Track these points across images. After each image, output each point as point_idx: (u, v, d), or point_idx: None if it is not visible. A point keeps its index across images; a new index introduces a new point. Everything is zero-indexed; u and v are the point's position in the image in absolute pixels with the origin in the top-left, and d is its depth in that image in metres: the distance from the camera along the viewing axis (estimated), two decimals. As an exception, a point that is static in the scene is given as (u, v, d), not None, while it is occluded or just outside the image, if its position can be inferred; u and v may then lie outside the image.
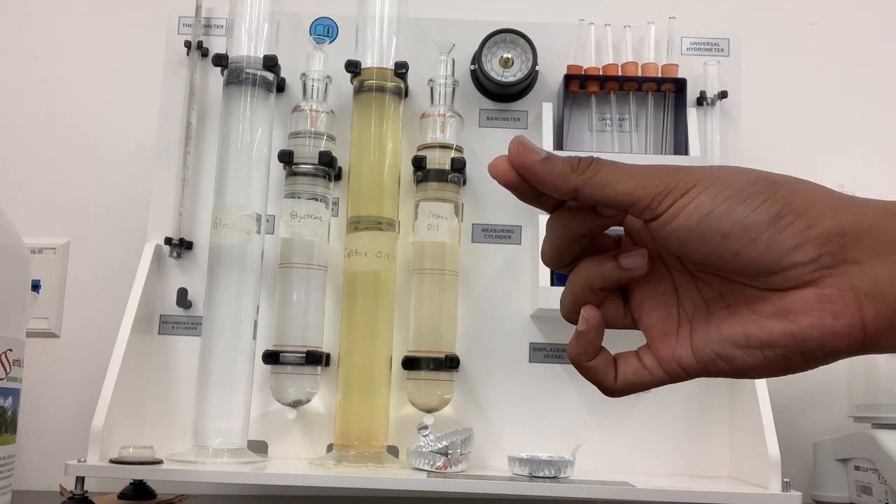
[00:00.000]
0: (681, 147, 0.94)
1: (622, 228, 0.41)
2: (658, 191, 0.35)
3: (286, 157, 0.92)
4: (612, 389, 0.39)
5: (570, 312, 0.40)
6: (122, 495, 0.89)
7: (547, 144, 0.92)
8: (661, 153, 0.96)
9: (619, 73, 0.95)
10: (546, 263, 0.41)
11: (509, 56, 0.95)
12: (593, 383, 0.40)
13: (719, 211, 0.34)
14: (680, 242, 0.35)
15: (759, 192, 0.34)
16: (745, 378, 0.37)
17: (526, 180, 0.37)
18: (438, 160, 0.92)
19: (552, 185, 0.37)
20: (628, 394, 0.39)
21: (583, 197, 0.36)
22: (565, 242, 0.39)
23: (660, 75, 0.96)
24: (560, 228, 0.39)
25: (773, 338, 0.35)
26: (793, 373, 0.36)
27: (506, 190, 1.04)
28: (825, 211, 0.34)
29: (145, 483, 0.90)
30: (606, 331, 0.40)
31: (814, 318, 0.34)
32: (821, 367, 0.36)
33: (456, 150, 0.93)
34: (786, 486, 0.80)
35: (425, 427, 0.86)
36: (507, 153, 0.37)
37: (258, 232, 0.89)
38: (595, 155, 0.37)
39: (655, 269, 0.39)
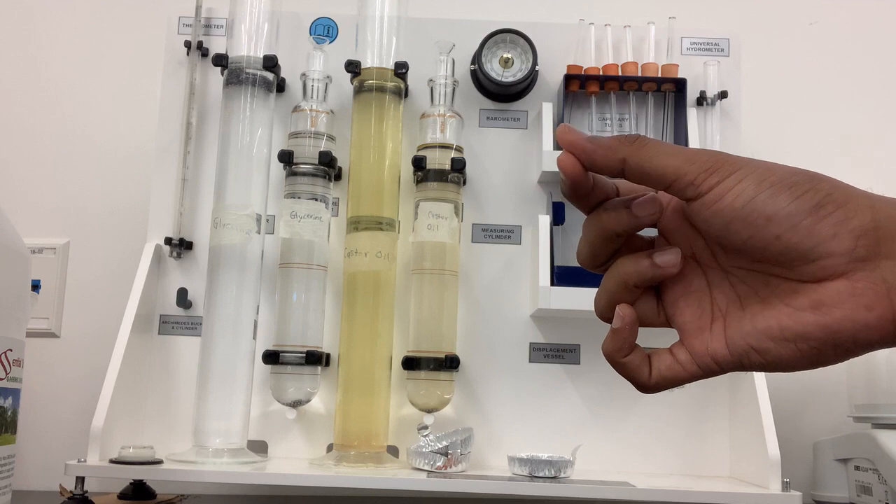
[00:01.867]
0: (681, 147, 0.94)
1: (656, 230, 0.42)
2: (704, 168, 0.36)
3: (286, 157, 0.92)
4: (647, 385, 0.40)
5: (605, 311, 0.41)
6: (122, 495, 0.89)
7: (547, 144, 0.92)
8: (661, 153, 0.96)
9: (619, 73, 0.95)
10: (581, 263, 0.42)
11: (509, 56, 0.95)
12: (628, 379, 0.41)
13: (764, 195, 0.35)
14: (723, 224, 0.36)
15: (802, 182, 0.35)
16: (778, 371, 0.38)
17: (577, 158, 0.39)
18: (438, 160, 0.92)
19: (602, 157, 0.38)
20: (662, 389, 0.40)
21: (630, 169, 0.37)
22: (600, 242, 0.40)
23: (660, 75, 0.96)
24: (595, 228, 0.40)
25: (808, 330, 0.36)
26: (824, 365, 0.36)
27: (506, 190, 1.04)
28: (863, 206, 0.35)
29: (145, 483, 0.90)
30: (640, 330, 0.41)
31: (846, 311, 0.35)
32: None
33: (456, 150, 0.93)
34: (786, 486, 0.80)
35: (425, 427, 0.86)
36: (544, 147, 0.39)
37: (258, 232, 0.89)
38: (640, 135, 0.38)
39: (689, 267, 0.40)
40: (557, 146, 1.02)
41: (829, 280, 0.35)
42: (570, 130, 0.39)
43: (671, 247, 0.40)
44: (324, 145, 0.93)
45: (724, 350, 0.38)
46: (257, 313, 0.89)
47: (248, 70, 0.90)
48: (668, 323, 0.41)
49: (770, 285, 0.37)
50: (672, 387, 0.40)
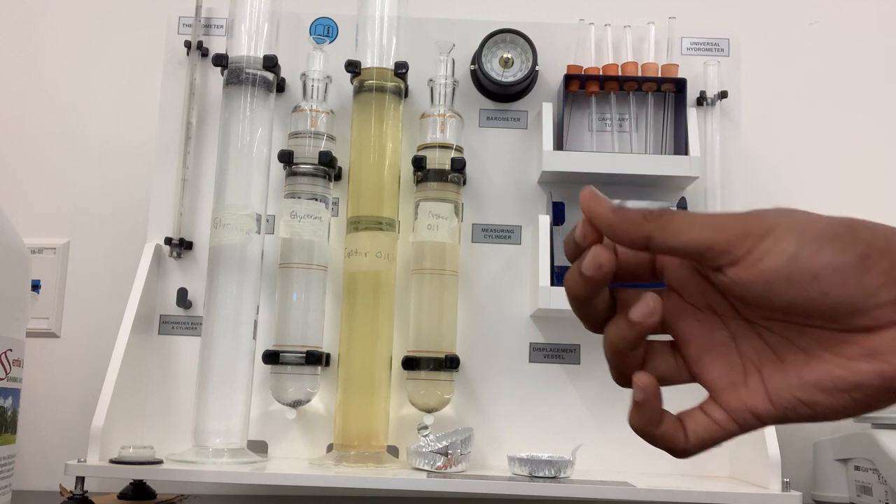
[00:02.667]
0: (681, 147, 0.94)
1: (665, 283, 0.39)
2: (736, 234, 0.34)
3: (286, 157, 0.92)
4: (685, 451, 0.38)
5: (620, 380, 0.39)
6: (122, 495, 0.89)
7: (547, 144, 0.92)
8: (661, 153, 0.96)
9: (619, 73, 0.95)
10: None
11: (509, 56, 0.95)
12: (663, 449, 0.38)
13: (807, 252, 0.34)
14: (764, 286, 0.34)
15: (842, 234, 0.34)
16: (825, 421, 0.36)
17: (597, 229, 0.36)
18: (438, 160, 0.92)
19: (625, 232, 0.36)
20: (701, 451, 0.38)
21: (655, 245, 0.36)
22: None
23: (660, 75, 0.96)
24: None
25: (864, 379, 0.34)
26: (871, 412, 0.36)
27: (506, 190, 1.03)
28: None
29: (145, 483, 0.90)
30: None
31: None
32: None
33: (456, 150, 0.93)
34: (786, 486, 0.80)
35: (425, 427, 0.86)
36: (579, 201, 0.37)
37: (258, 232, 0.89)
38: (663, 205, 0.36)
39: (707, 320, 0.38)
40: (558, 146, 1.02)
41: (881, 329, 0.34)
42: (595, 197, 0.36)
43: (644, 294, 0.37)
44: (324, 145, 0.93)
45: (768, 405, 0.36)
46: (257, 313, 0.89)
47: (248, 70, 0.90)
48: (692, 379, 0.39)
49: (806, 335, 0.36)
50: (711, 447, 0.38)
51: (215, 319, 0.86)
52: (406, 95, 0.96)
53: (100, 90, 1.18)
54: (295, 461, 0.90)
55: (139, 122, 1.13)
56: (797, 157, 1.17)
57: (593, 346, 0.95)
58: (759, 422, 0.37)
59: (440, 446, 0.84)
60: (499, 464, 0.91)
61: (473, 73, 0.98)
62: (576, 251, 0.37)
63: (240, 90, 0.90)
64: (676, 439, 0.38)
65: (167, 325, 0.95)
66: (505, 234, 0.97)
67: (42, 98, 1.18)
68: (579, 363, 0.94)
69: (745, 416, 0.37)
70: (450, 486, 0.80)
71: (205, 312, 0.87)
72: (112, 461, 0.81)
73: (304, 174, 0.92)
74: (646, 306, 0.36)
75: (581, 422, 0.93)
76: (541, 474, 0.82)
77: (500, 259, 0.96)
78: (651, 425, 0.37)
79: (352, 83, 0.94)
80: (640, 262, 0.39)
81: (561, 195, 0.95)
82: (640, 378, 0.37)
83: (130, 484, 0.89)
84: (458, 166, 0.91)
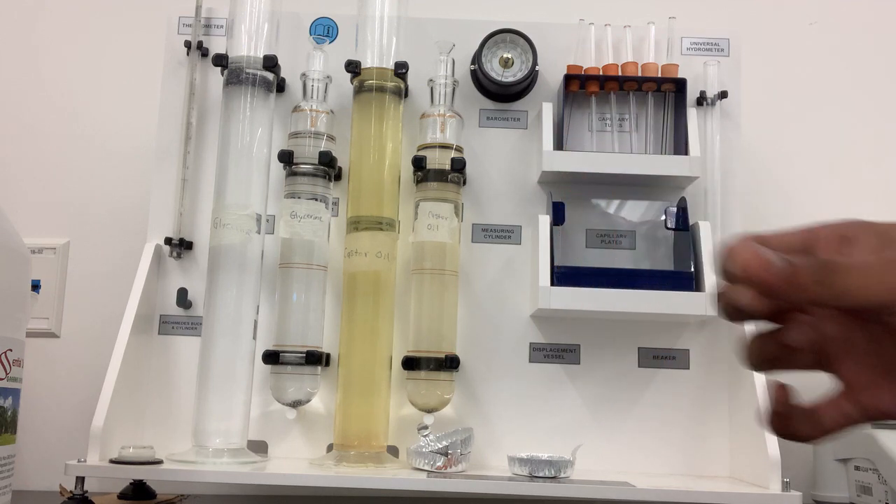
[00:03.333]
0: (681, 147, 0.94)
1: None
2: None
3: (286, 157, 0.92)
4: (812, 440, 0.40)
5: (751, 365, 0.40)
6: (122, 495, 0.89)
7: (547, 144, 0.92)
8: (661, 153, 0.96)
9: (619, 73, 0.95)
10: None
11: (509, 56, 0.95)
12: (791, 440, 0.40)
13: None
14: None
15: None
16: None
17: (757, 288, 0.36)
18: (438, 160, 0.92)
19: (793, 299, 0.35)
20: (827, 437, 0.40)
21: (819, 304, 0.36)
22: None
23: (660, 75, 0.96)
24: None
25: None
26: None
27: (506, 190, 1.03)
28: None
29: (145, 483, 0.90)
30: None
31: None
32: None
33: (456, 150, 0.93)
34: (786, 486, 0.80)
35: (425, 427, 0.86)
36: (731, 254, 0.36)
37: (258, 232, 0.89)
38: (828, 259, 0.35)
39: (848, 322, 0.39)
40: (558, 146, 1.01)
41: None
42: (765, 264, 0.35)
43: (799, 321, 0.38)
44: (324, 145, 0.93)
45: None
46: (257, 313, 0.89)
47: (248, 70, 0.90)
48: (824, 370, 0.40)
49: None
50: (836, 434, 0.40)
51: (215, 319, 0.86)
52: (406, 95, 0.96)
53: (100, 90, 1.18)
54: (295, 461, 0.90)
55: (139, 122, 1.13)
56: (797, 156, 1.17)
57: (593, 346, 0.95)
58: (885, 417, 0.38)
59: (440, 446, 0.84)
60: (499, 464, 0.91)
61: (473, 73, 0.98)
62: (728, 278, 0.37)
63: (240, 90, 0.90)
64: (805, 434, 0.39)
65: (167, 325, 0.95)
66: (505, 234, 0.97)
67: (42, 98, 1.18)
68: (579, 363, 0.94)
69: (875, 413, 0.38)
70: (450, 486, 0.80)
71: (205, 312, 0.87)
72: (112, 461, 0.81)
73: (304, 174, 0.92)
74: (801, 334, 0.38)
75: (581, 422, 0.93)
76: (541, 474, 0.82)
77: (500, 259, 0.96)
78: (785, 428, 0.40)
79: (352, 83, 0.94)
80: None
81: (561, 195, 0.95)
82: (777, 392, 0.39)
83: (130, 484, 0.89)
84: (458, 166, 0.91)
